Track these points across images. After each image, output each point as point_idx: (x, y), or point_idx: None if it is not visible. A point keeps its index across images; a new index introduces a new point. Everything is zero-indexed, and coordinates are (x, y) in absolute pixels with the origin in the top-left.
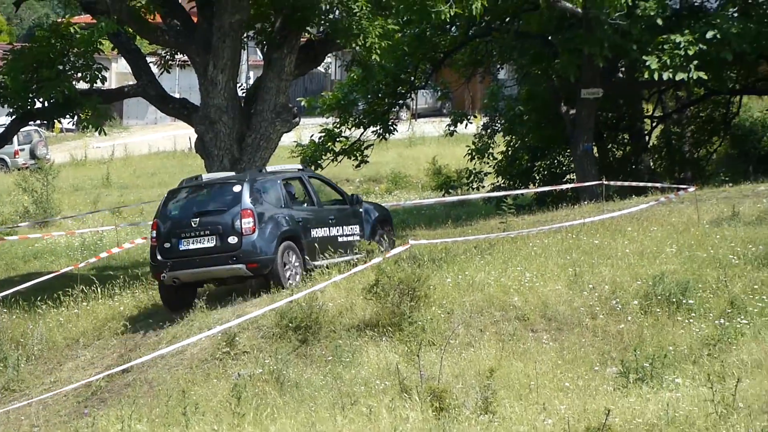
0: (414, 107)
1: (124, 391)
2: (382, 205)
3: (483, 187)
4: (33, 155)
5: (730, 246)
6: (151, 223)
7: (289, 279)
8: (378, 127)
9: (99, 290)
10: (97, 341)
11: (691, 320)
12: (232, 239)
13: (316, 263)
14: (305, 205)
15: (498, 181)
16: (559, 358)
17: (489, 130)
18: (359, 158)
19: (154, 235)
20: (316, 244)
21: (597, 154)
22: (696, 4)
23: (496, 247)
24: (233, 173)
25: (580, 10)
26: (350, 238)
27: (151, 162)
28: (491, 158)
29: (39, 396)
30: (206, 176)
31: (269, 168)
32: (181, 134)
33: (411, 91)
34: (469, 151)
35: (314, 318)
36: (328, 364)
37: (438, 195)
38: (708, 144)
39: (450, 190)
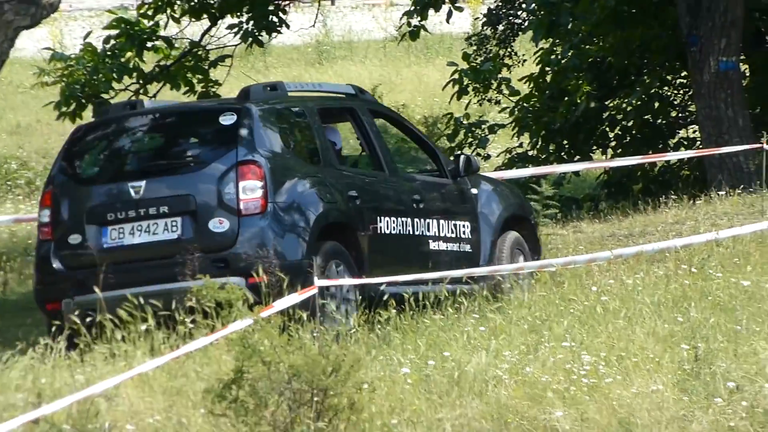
0: None
1: None
2: (510, 185)
3: (487, 157)
4: None
5: None
6: None
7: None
8: (245, 20)
9: None
10: None
11: None
12: (218, 224)
13: (384, 288)
14: (363, 167)
15: (521, 143)
16: None
17: (499, 28)
18: (203, 89)
19: (46, 220)
20: (385, 247)
21: (750, 81)
22: None
23: (516, 293)
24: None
25: None
26: (452, 247)
27: None
28: (505, 92)
29: None
30: (150, 102)
31: (290, 84)
32: None
33: None
34: (456, 75)
35: None
36: None
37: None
38: None
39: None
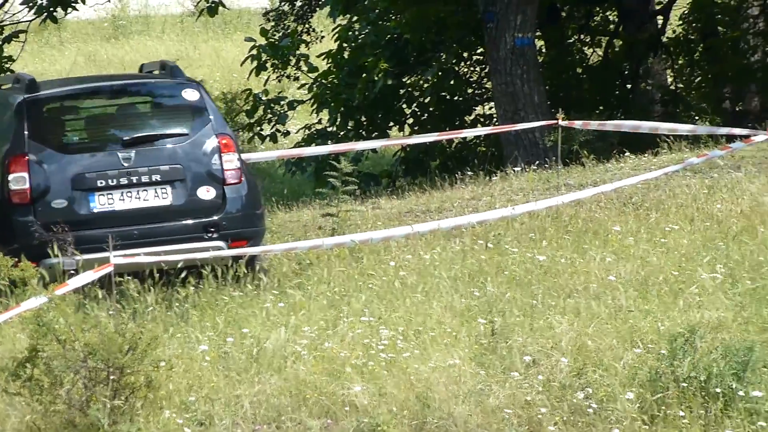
0: None
1: None
2: None
3: (287, 133)
4: None
5: None
6: None
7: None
8: None
9: None
10: None
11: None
12: (206, 192)
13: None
14: None
15: (319, 120)
16: None
17: (297, 4)
18: None
19: (23, 186)
20: None
21: (545, 57)
22: None
23: (316, 269)
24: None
25: None
26: None
27: None
28: (304, 68)
29: None
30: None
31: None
32: None
33: None
34: (255, 51)
35: None
36: None
37: None
38: None
39: None
